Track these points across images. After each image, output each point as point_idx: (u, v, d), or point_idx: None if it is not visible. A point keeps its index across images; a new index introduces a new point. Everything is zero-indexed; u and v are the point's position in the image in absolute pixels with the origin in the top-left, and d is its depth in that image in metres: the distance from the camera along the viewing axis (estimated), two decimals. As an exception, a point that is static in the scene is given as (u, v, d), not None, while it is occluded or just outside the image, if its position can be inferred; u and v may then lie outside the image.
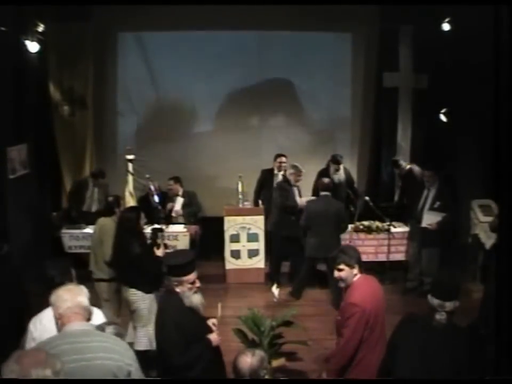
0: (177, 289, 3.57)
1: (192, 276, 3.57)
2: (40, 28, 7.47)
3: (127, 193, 5.80)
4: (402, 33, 8.87)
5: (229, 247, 7.74)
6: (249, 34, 8.93)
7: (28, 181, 7.79)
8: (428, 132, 9.01)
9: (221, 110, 9.12)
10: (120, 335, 3.22)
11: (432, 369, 3.13)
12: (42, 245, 7.68)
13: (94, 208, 8.06)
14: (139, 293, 5.05)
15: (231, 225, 7.72)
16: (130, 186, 5.84)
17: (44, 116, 8.32)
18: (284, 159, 8.06)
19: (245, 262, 7.77)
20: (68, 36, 8.27)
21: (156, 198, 7.57)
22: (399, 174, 8.62)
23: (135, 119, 9.09)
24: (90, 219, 7.80)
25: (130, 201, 5.83)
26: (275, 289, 5.67)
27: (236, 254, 7.76)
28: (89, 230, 7.63)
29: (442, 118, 8.50)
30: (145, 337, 5.03)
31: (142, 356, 4.98)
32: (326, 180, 7.13)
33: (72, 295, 2.79)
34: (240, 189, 7.71)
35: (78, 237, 7.57)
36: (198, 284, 3.63)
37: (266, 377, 2.87)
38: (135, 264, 4.99)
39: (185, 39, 8.79)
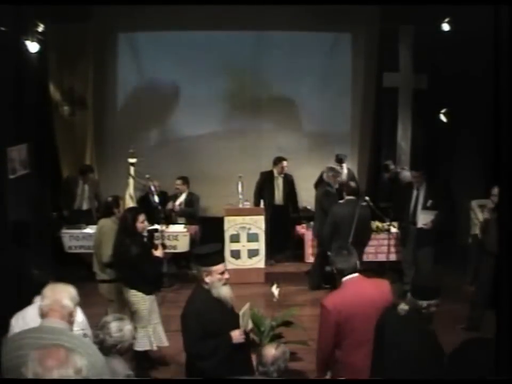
0: (207, 280, 3.62)
1: (221, 267, 3.66)
2: (40, 28, 7.48)
3: (127, 196, 5.82)
4: (402, 33, 8.88)
5: (229, 247, 7.74)
6: (249, 35, 8.94)
7: (28, 181, 7.80)
8: (427, 131, 9.01)
9: (221, 110, 9.13)
10: (121, 329, 3.29)
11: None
12: (42, 245, 7.68)
13: (85, 206, 8.08)
14: (139, 294, 5.05)
15: (231, 225, 7.72)
16: (131, 189, 5.87)
17: (44, 116, 8.32)
18: (285, 163, 8.17)
19: (245, 262, 7.77)
20: (68, 36, 8.28)
21: (156, 198, 7.57)
22: (388, 178, 8.66)
23: (135, 119, 9.10)
24: (82, 217, 7.83)
25: (130, 204, 5.84)
26: (275, 289, 5.66)
27: (235, 254, 7.76)
28: (89, 230, 7.64)
29: (442, 118, 8.50)
30: (145, 338, 5.04)
31: (142, 356, 5.02)
32: (352, 184, 6.88)
33: (54, 293, 2.81)
34: (240, 189, 7.71)
35: (78, 237, 7.57)
36: (227, 276, 3.69)
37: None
38: (134, 265, 4.97)
39: (184, 41, 8.80)
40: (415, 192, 7.03)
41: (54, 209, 8.34)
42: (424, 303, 3.31)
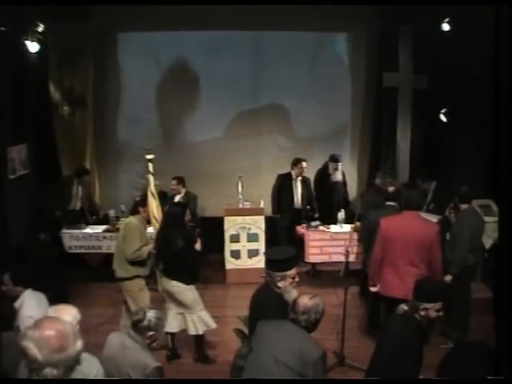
0: (279, 284, 3.67)
1: (294, 271, 3.74)
2: (40, 28, 7.47)
3: (149, 193, 5.87)
4: (402, 33, 8.86)
5: (229, 247, 7.74)
6: (249, 35, 8.94)
7: (28, 181, 7.80)
8: (427, 132, 9.01)
9: (219, 109, 9.13)
10: (160, 319, 3.43)
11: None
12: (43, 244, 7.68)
13: (78, 206, 8.07)
14: (180, 285, 5.27)
15: (231, 225, 7.72)
16: (151, 186, 5.91)
17: (44, 116, 8.32)
18: (304, 164, 7.96)
19: (245, 262, 7.77)
20: (68, 36, 8.26)
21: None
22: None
23: (135, 119, 9.10)
24: (75, 217, 7.83)
25: (152, 201, 5.87)
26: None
27: (235, 254, 7.76)
28: (89, 230, 7.65)
29: (442, 118, 8.50)
30: (191, 324, 5.36)
31: (195, 340, 5.50)
32: (391, 188, 6.63)
33: (56, 313, 2.90)
34: (240, 189, 7.70)
35: (78, 237, 7.57)
36: (297, 279, 3.78)
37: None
38: (179, 258, 5.19)
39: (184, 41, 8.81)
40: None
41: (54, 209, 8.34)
42: (422, 305, 3.31)
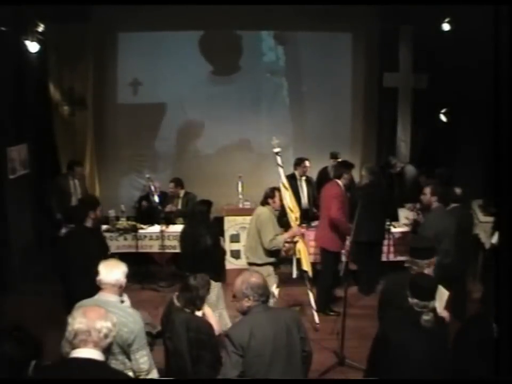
0: (426, 271, 3.87)
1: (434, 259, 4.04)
2: (40, 28, 7.47)
3: (280, 185, 5.97)
4: (402, 33, 8.87)
5: (229, 247, 7.73)
6: (249, 34, 8.94)
7: (28, 181, 7.80)
8: (427, 131, 9.01)
9: (220, 110, 9.13)
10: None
11: (421, 367, 3.20)
12: (43, 244, 7.68)
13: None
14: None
15: (231, 225, 7.71)
16: (282, 178, 5.99)
17: (44, 116, 8.33)
18: (308, 163, 7.93)
19: (245, 262, 7.75)
20: (68, 36, 8.26)
21: (156, 198, 7.56)
22: (395, 173, 8.65)
23: (136, 119, 9.11)
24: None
25: (285, 192, 5.96)
26: (275, 289, 5.68)
27: (236, 254, 7.75)
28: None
29: (442, 118, 8.50)
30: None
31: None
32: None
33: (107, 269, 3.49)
34: (240, 189, 7.70)
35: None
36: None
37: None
38: (207, 255, 5.31)
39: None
40: None
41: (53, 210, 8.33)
42: (420, 303, 3.30)
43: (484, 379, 2.80)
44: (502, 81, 2.55)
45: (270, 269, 5.82)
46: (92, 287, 3.51)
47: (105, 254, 5.19)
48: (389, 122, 9.20)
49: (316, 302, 6.21)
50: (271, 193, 5.95)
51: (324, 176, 8.29)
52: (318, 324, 6.07)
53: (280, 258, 5.99)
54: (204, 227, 5.49)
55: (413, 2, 6.71)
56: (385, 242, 7.50)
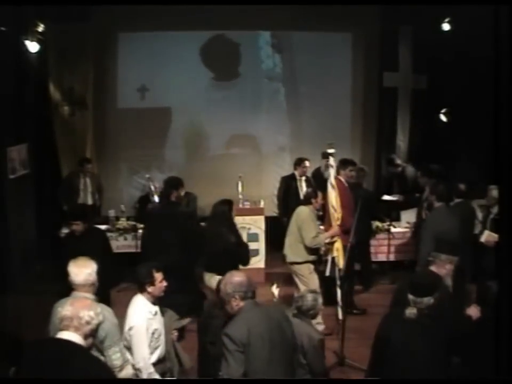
0: (447, 267, 3.94)
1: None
2: (40, 28, 7.48)
3: (328, 185, 6.00)
4: (402, 33, 8.88)
5: (229, 247, 7.73)
6: (248, 43, 8.97)
7: (28, 181, 7.80)
8: (427, 131, 9.01)
9: (219, 110, 9.14)
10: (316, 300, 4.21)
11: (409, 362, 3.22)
12: (43, 244, 7.68)
13: (90, 201, 8.05)
14: None
15: (231, 225, 7.71)
16: (331, 178, 6.01)
17: (44, 116, 8.32)
18: (307, 163, 7.93)
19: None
20: (68, 36, 8.26)
21: (156, 198, 7.56)
22: (397, 173, 8.64)
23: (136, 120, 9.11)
24: (87, 212, 7.76)
25: (332, 192, 5.97)
26: (275, 289, 5.66)
27: (236, 254, 7.75)
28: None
29: (442, 118, 8.50)
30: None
31: None
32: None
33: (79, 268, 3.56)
34: (240, 189, 7.70)
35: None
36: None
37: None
38: (230, 253, 5.34)
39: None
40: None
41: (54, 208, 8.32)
42: (418, 300, 3.29)
43: (484, 379, 2.80)
44: (502, 81, 2.55)
45: (311, 266, 5.92)
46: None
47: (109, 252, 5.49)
48: (388, 122, 9.21)
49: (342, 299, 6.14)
50: (313, 194, 6.09)
51: (317, 177, 8.27)
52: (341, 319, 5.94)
53: (319, 257, 6.07)
54: (227, 226, 5.55)
55: (413, 2, 6.71)
56: (385, 242, 7.52)
